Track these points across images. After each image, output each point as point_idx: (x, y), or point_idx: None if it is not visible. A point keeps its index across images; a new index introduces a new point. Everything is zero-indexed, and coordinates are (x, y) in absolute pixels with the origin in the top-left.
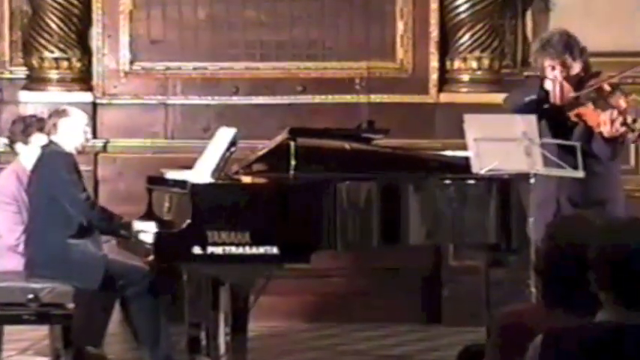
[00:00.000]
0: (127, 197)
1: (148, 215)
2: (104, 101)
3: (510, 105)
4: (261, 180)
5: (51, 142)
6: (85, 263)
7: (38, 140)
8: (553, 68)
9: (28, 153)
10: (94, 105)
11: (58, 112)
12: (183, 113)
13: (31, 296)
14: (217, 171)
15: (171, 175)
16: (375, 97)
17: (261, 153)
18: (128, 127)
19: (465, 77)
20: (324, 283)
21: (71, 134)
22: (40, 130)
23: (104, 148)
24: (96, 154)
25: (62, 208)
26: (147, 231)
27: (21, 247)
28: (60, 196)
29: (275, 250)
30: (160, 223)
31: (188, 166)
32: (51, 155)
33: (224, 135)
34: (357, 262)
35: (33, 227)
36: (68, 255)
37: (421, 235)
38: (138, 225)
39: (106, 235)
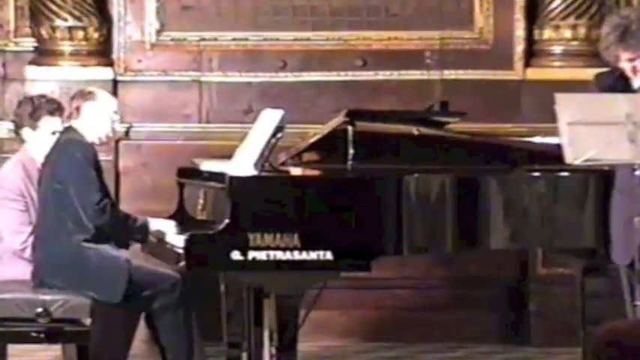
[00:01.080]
0: (153, 193)
1: (179, 214)
2: (127, 78)
3: (599, 83)
4: (312, 172)
5: (70, 127)
6: (105, 270)
7: (49, 125)
8: (631, 60)
9: (37, 140)
10: (115, 83)
11: (83, 94)
12: (220, 92)
13: (40, 310)
14: (261, 161)
15: (206, 166)
16: (449, 73)
17: (312, 140)
18: (155, 109)
19: (557, 49)
20: (386, 295)
21: (96, 121)
22: (51, 113)
23: (127, 133)
24: (117, 141)
25: (76, 207)
26: (164, 231)
27: (28, 252)
28: (72, 194)
29: (329, 255)
30: (193, 223)
31: (226, 155)
32: (68, 144)
33: (269, 118)
34: (427, 270)
35: (42, 228)
36: (84, 260)
37: (504, 237)
38: (154, 224)
39: (120, 245)
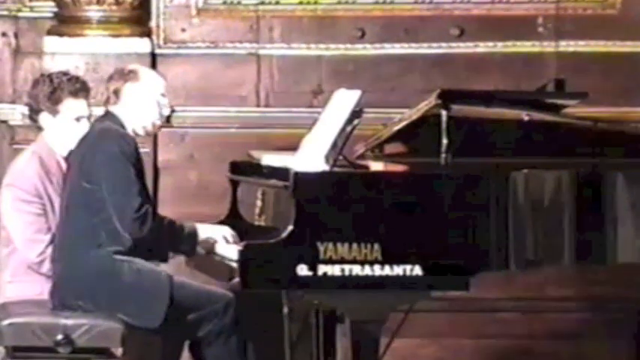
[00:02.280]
0: (199, 193)
1: (231, 219)
2: (167, 51)
3: None
4: (397, 167)
5: (108, 113)
6: (141, 288)
7: (71, 110)
8: None
9: (57, 128)
10: (153, 57)
11: (123, 74)
12: (283, 69)
13: (60, 337)
14: (333, 154)
15: (266, 160)
16: (567, 45)
17: (397, 127)
18: (202, 90)
19: None
20: (488, 321)
21: (140, 107)
22: (75, 94)
23: (168, 120)
24: None
25: (109, 213)
26: (214, 239)
27: (46, 266)
28: (105, 197)
29: (418, 270)
30: (249, 230)
31: (290, 146)
32: (104, 134)
33: (343, 101)
34: (539, 289)
35: (65, 236)
36: (116, 276)
37: (635, 249)
38: (203, 230)
39: (158, 257)
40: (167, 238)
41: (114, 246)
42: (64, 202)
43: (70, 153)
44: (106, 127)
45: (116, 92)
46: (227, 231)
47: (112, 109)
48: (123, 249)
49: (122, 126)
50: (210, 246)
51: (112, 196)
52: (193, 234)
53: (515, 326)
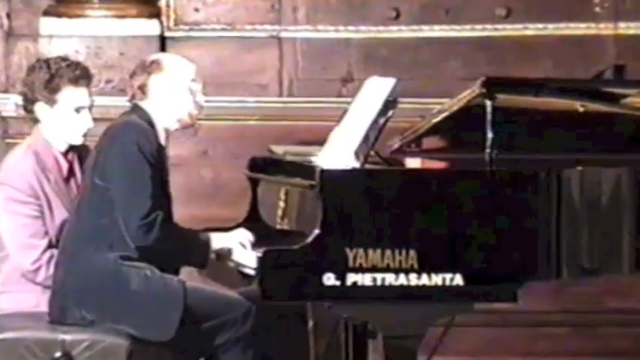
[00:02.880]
0: (214, 193)
1: (250, 222)
2: (178, 34)
3: None
4: (436, 164)
5: (136, 107)
6: (151, 296)
7: (71, 99)
8: None
9: (55, 119)
10: (162, 40)
11: (145, 67)
12: (308, 54)
13: (58, 355)
14: (364, 149)
15: (290, 155)
16: (627, 27)
17: (436, 120)
18: (218, 77)
19: None
20: (538, 336)
21: (170, 99)
22: (75, 82)
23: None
24: None
25: (117, 215)
26: (228, 246)
27: (42, 274)
28: (115, 197)
29: (459, 280)
30: (270, 234)
31: (316, 141)
32: (123, 128)
33: (375, 90)
34: (595, 301)
35: (72, 238)
36: (122, 283)
37: None
38: (217, 241)
39: (167, 270)
40: (176, 250)
41: (122, 251)
42: (76, 200)
43: (99, 147)
44: (130, 121)
45: (142, 88)
46: (243, 235)
47: (141, 104)
48: (132, 254)
49: (150, 122)
50: (225, 254)
51: (120, 196)
52: (206, 245)
53: (568, 342)
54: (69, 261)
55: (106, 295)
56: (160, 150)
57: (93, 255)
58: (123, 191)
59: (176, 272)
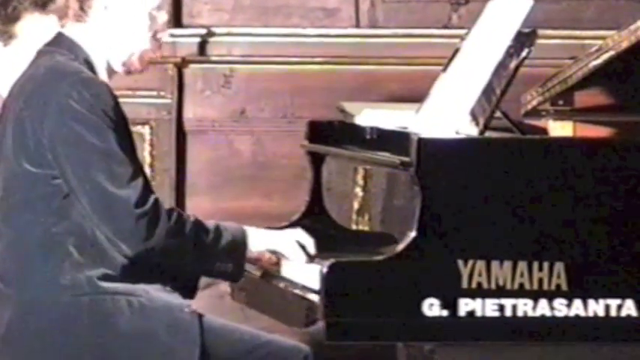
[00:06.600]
0: (255, 174)
1: (311, 217)
2: None
3: None
4: (595, 132)
5: (61, 37)
6: (149, 340)
7: (35, 30)
8: None
9: (11, 60)
10: None
11: None
12: None
13: None
14: (486, 109)
15: (369, 118)
16: None
17: (595, 63)
18: (262, 5)
19: None
20: None
21: (120, 26)
22: (43, 6)
23: (202, 49)
24: (180, 67)
25: (78, 214)
26: (277, 252)
27: None
28: (72, 186)
29: (631, 307)
30: (342, 237)
31: (411, 97)
32: (55, 81)
33: (501, 17)
34: None
35: (7, 254)
36: (104, 321)
37: None
38: (257, 239)
39: (185, 291)
40: (194, 254)
41: (96, 268)
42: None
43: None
44: (57, 67)
45: (82, 6)
46: (300, 237)
47: (70, 30)
48: (113, 272)
49: (87, 60)
50: (271, 265)
51: (83, 184)
52: (241, 244)
53: None
54: (13, 290)
55: (77, 341)
56: (118, 104)
57: (49, 279)
58: (86, 176)
59: (192, 291)
